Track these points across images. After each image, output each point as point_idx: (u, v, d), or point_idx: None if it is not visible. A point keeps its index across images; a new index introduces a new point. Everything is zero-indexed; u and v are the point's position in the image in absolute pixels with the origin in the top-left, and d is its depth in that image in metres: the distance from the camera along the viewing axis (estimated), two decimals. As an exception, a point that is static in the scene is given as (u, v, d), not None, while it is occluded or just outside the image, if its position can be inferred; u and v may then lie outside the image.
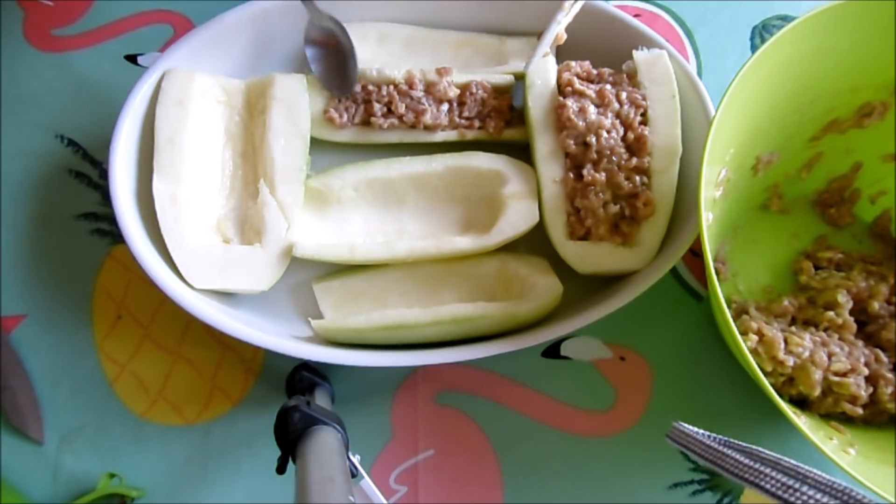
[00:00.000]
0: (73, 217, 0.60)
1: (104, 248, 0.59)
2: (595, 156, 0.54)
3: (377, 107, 0.58)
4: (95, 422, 0.55)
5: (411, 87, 0.58)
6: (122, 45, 0.66)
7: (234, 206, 0.57)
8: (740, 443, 0.37)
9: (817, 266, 0.58)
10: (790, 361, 0.48)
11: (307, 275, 0.57)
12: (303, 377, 0.52)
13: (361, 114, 0.59)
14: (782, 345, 0.48)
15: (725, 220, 0.57)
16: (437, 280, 0.56)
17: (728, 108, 0.46)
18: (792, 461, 0.35)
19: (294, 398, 0.43)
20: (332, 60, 0.59)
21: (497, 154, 0.57)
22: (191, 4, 0.67)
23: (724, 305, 0.43)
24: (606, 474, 0.53)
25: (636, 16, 0.62)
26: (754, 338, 0.49)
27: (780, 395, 0.45)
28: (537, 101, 0.57)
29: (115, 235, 0.59)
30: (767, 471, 0.34)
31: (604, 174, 0.54)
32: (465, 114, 0.59)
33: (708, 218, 0.48)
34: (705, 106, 0.55)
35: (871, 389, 0.49)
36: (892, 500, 0.39)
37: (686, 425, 0.39)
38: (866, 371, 0.49)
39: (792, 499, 0.33)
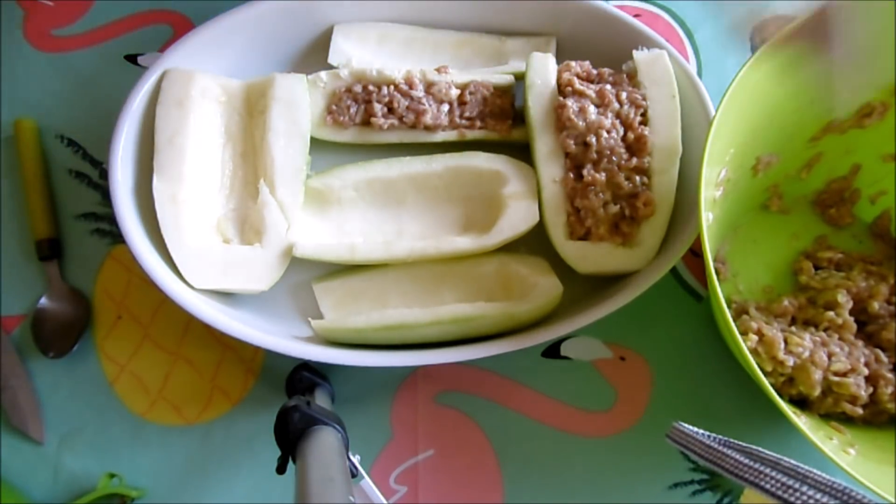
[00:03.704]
0: (73, 217, 0.60)
1: (104, 248, 0.59)
2: (595, 156, 0.54)
3: (377, 107, 0.58)
4: (95, 422, 0.55)
5: (411, 87, 0.58)
6: (122, 45, 0.65)
7: (234, 206, 0.57)
8: (740, 443, 0.37)
9: (817, 266, 0.58)
10: (790, 361, 0.48)
11: (307, 275, 0.57)
12: (303, 377, 0.52)
13: (361, 114, 0.59)
14: (782, 345, 0.48)
15: (725, 220, 0.57)
16: (437, 280, 0.55)
17: (728, 108, 0.46)
18: (792, 461, 0.35)
19: (294, 398, 0.43)
20: None
21: (497, 154, 0.57)
22: (191, 4, 0.67)
23: (724, 305, 0.43)
24: (606, 474, 0.53)
25: (636, 16, 0.62)
26: (754, 338, 0.49)
27: (780, 395, 0.45)
28: (537, 101, 0.57)
29: (115, 235, 0.59)
30: (767, 471, 0.34)
31: (604, 174, 0.54)
32: (466, 114, 0.59)
33: (708, 218, 0.48)
34: (705, 106, 0.55)
35: (871, 389, 0.49)
36: (892, 500, 0.39)
37: (686, 425, 0.39)
38: (866, 371, 0.49)
39: (792, 499, 0.33)
